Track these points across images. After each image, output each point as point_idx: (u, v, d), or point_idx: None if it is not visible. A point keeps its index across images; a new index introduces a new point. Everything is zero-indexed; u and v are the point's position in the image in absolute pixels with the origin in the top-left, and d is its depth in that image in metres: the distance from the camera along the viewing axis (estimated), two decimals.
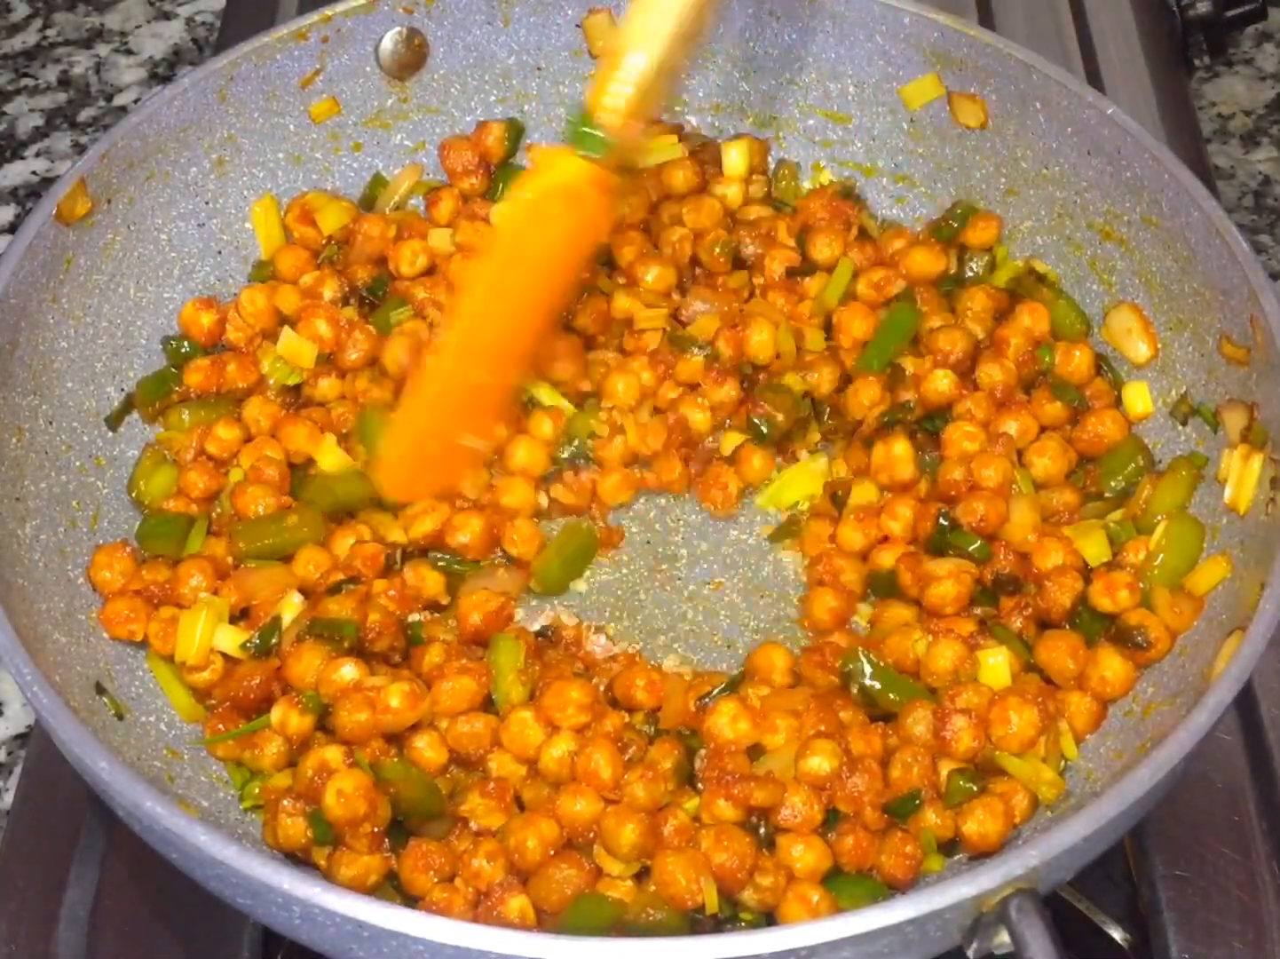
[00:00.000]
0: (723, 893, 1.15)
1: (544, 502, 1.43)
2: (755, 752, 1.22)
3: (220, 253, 1.53)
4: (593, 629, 1.35)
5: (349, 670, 1.23)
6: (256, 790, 1.24)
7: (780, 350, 1.47)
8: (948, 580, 1.30)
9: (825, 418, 1.46)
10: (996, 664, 1.26)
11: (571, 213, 1.24)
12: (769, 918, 1.17)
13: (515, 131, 1.61)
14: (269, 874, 0.98)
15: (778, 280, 1.52)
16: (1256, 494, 1.26)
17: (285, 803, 1.17)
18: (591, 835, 1.17)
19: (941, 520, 1.34)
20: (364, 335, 1.46)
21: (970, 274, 1.53)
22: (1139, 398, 1.42)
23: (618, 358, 1.50)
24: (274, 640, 1.28)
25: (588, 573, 1.41)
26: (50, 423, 1.35)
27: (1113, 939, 1.29)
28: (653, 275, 1.51)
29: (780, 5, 1.58)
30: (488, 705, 1.26)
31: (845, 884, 1.17)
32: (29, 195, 2.08)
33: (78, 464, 1.37)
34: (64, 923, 1.29)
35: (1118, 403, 1.44)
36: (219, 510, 1.40)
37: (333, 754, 1.18)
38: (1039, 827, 1.20)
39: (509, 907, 1.14)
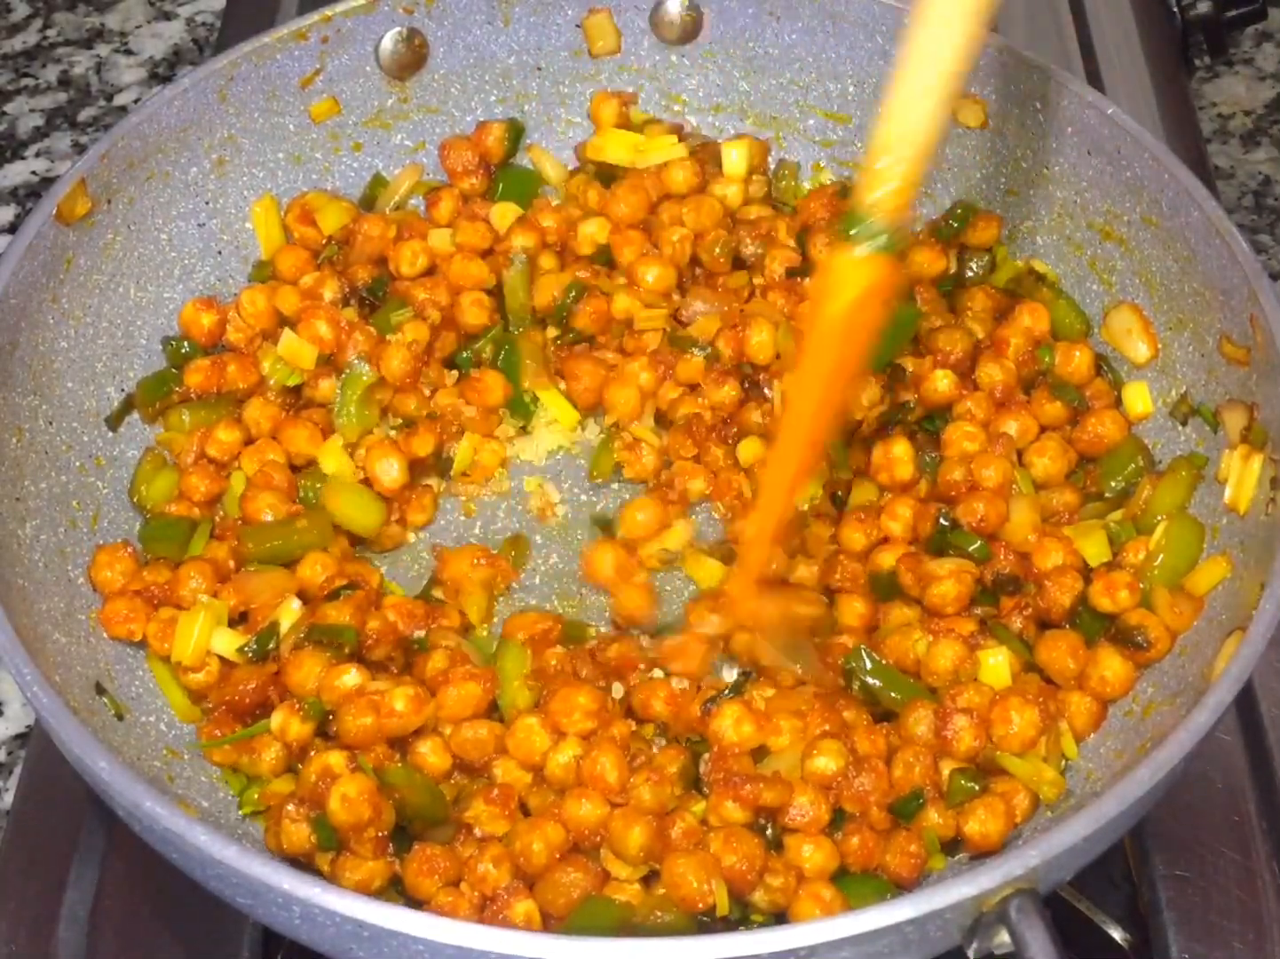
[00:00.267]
0: (733, 894, 1.15)
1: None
2: (759, 754, 1.22)
3: (220, 253, 1.53)
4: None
5: (351, 677, 1.23)
6: (256, 796, 1.23)
7: (780, 350, 1.47)
8: (948, 580, 1.30)
9: None
10: (997, 664, 1.26)
11: (871, 310, 1.24)
12: (779, 919, 1.17)
13: (515, 131, 1.61)
14: (269, 874, 0.98)
15: (778, 280, 1.52)
16: (1256, 494, 1.26)
17: (290, 808, 1.17)
18: (598, 839, 1.17)
19: (941, 520, 1.34)
20: (364, 336, 1.46)
21: (970, 274, 1.53)
22: (1139, 398, 1.42)
23: (618, 358, 1.50)
24: (271, 645, 1.28)
25: None
26: (50, 423, 1.35)
27: (1113, 939, 1.29)
28: (653, 275, 1.51)
29: (780, 5, 1.58)
30: (491, 712, 1.26)
31: (853, 883, 1.18)
32: (29, 195, 2.08)
33: (78, 464, 1.37)
34: (64, 923, 1.29)
35: (1118, 403, 1.44)
36: (221, 514, 1.39)
37: (336, 759, 1.18)
38: (1039, 827, 1.20)
39: (515, 911, 1.14)
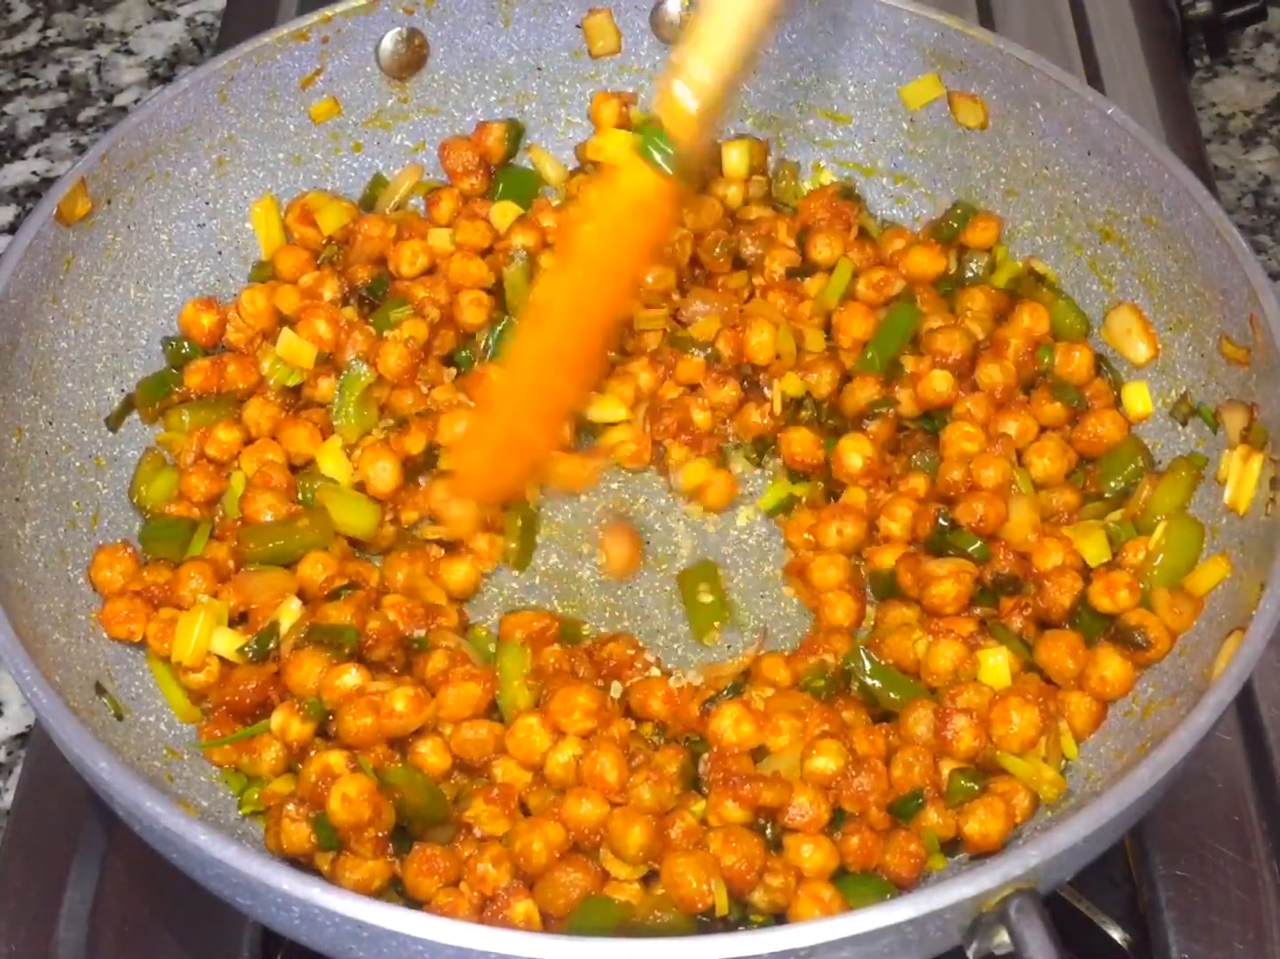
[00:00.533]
0: (732, 894, 1.14)
1: None
2: (759, 754, 1.22)
3: (220, 253, 1.53)
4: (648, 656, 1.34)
5: (351, 677, 1.23)
6: (256, 796, 1.23)
7: (780, 351, 1.47)
8: (948, 580, 1.30)
9: (825, 418, 1.46)
10: (996, 664, 1.26)
11: (642, 223, 1.27)
12: (779, 919, 1.17)
13: (515, 131, 1.61)
14: (269, 874, 0.98)
15: (778, 280, 1.52)
16: (1256, 494, 1.26)
17: (290, 808, 1.17)
18: (598, 839, 1.17)
19: (941, 521, 1.34)
20: (364, 336, 1.46)
21: (970, 274, 1.53)
22: (1139, 398, 1.42)
23: (618, 358, 1.50)
24: (271, 645, 1.28)
25: (588, 573, 1.41)
26: (50, 423, 1.35)
27: (1113, 939, 1.29)
28: (653, 275, 1.51)
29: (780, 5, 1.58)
30: (491, 712, 1.26)
31: (853, 883, 1.18)
32: (29, 195, 2.08)
33: (78, 464, 1.37)
34: (64, 923, 1.29)
35: (1117, 403, 1.44)
36: (221, 514, 1.39)
37: (336, 759, 1.18)
38: (1039, 827, 1.20)
39: (515, 911, 1.14)
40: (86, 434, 1.39)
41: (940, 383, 1.42)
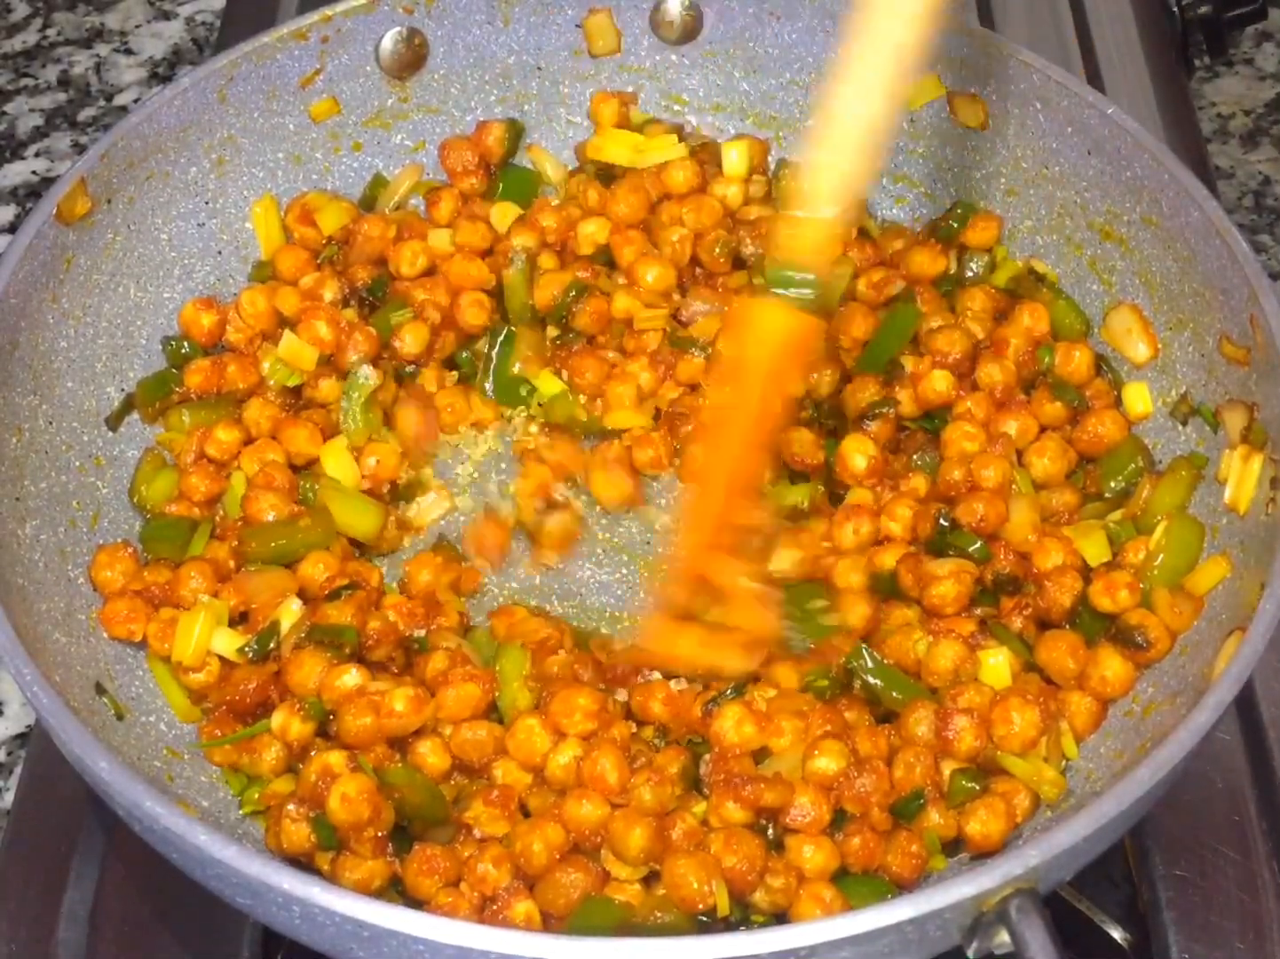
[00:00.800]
0: (734, 895, 1.14)
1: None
2: (760, 755, 1.22)
3: (220, 253, 1.53)
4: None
5: (352, 677, 1.23)
6: (256, 796, 1.23)
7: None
8: (948, 580, 1.30)
9: (825, 418, 1.46)
10: (997, 664, 1.26)
11: (793, 359, 1.25)
12: (779, 920, 1.16)
13: (515, 131, 1.61)
14: (269, 874, 0.98)
15: None
16: (1256, 494, 1.26)
17: (290, 808, 1.17)
18: (598, 840, 1.17)
19: (941, 521, 1.34)
20: (364, 337, 1.46)
21: (970, 274, 1.53)
22: (1139, 398, 1.42)
23: (618, 358, 1.50)
24: (271, 645, 1.28)
25: (589, 574, 1.41)
26: (50, 423, 1.35)
27: (1113, 939, 1.29)
28: (653, 275, 1.51)
29: (780, 5, 1.58)
30: (491, 713, 1.26)
31: (854, 884, 1.17)
32: (29, 195, 2.08)
33: (78, 464, 1.37)
34: (64, 923, 1.29)
35: (1118, 403, 1.44)
36: (222, 514, 1.39)
37: (336, 759, 1.18)
38: (1039, 826, 1.20)
39: (515, 911, 1.14)
40: (86, 434, 1.39)
41: (940, 383, 1.42)
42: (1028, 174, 1.51)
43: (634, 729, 1.26)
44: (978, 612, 1.33)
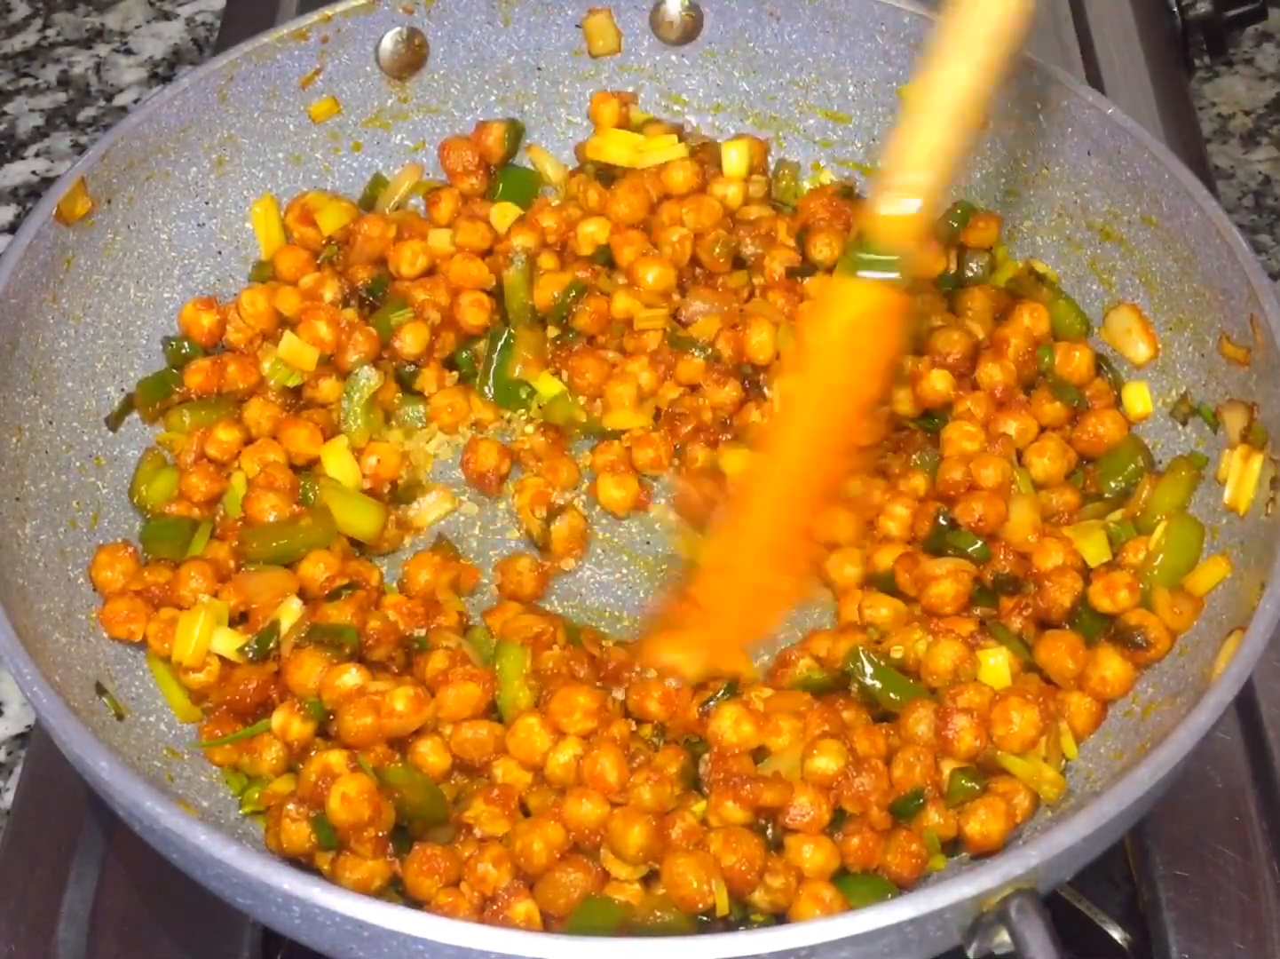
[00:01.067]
0: (733, 895, 1.14)
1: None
2: (759, 754, 1.22)
3: (220, 253, 1.53)
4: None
5: (352, 677, 1.23)
6: (256, 796, 1.23)
7: (780, 350, 1.47)
8: (946, 580, 1.30)
9: None
10: (996, 664, 1.26)
11: (878, 341, 1.23)
12: (779, 919, 1.16)
13: (515, 131, 1.61)
14: (269, 874, 0.98)
15: (778, 280, 1.52)
16: (1256, 494, 1.26)
17: (290, 808, 1.17)
18: (598, 839, 1.17)
19: (940, 520, 1.34)
20: (364, 337, 1.46)
21: (970, 274, 1.53)
22: (1139, 398, 1.42)
23: (618, 358, 1.50)
24: (271, 645, 1.28)
25: (589, 574, 1.41)
26: (50, 423, 1.35)
27: (1113, 939, 1.29)
28: (653, 275, 1.51)
29: (780, 5, 1.58)
30: (491, 712, 1.26)
31: (853, 884, 1.17)
32: (29, 195, 2.08)
33: (78, 464, 1.37)
34: (64, 923, 1.29)
35: (1117, 403, 1.44)
36: (222, 514, 1.39)
37: (336, 758, 1.18)
38: (1039, 826, 1.20)
39: (515, 911, 1.14)
40: (86, 434, 1.39)
41: (940, 382, 1.42)
42: (1028, 174, 1.51)
43: (633, 728, 1.26)
44: (977, 611, 1.33)
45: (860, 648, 1.27)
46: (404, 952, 0.97)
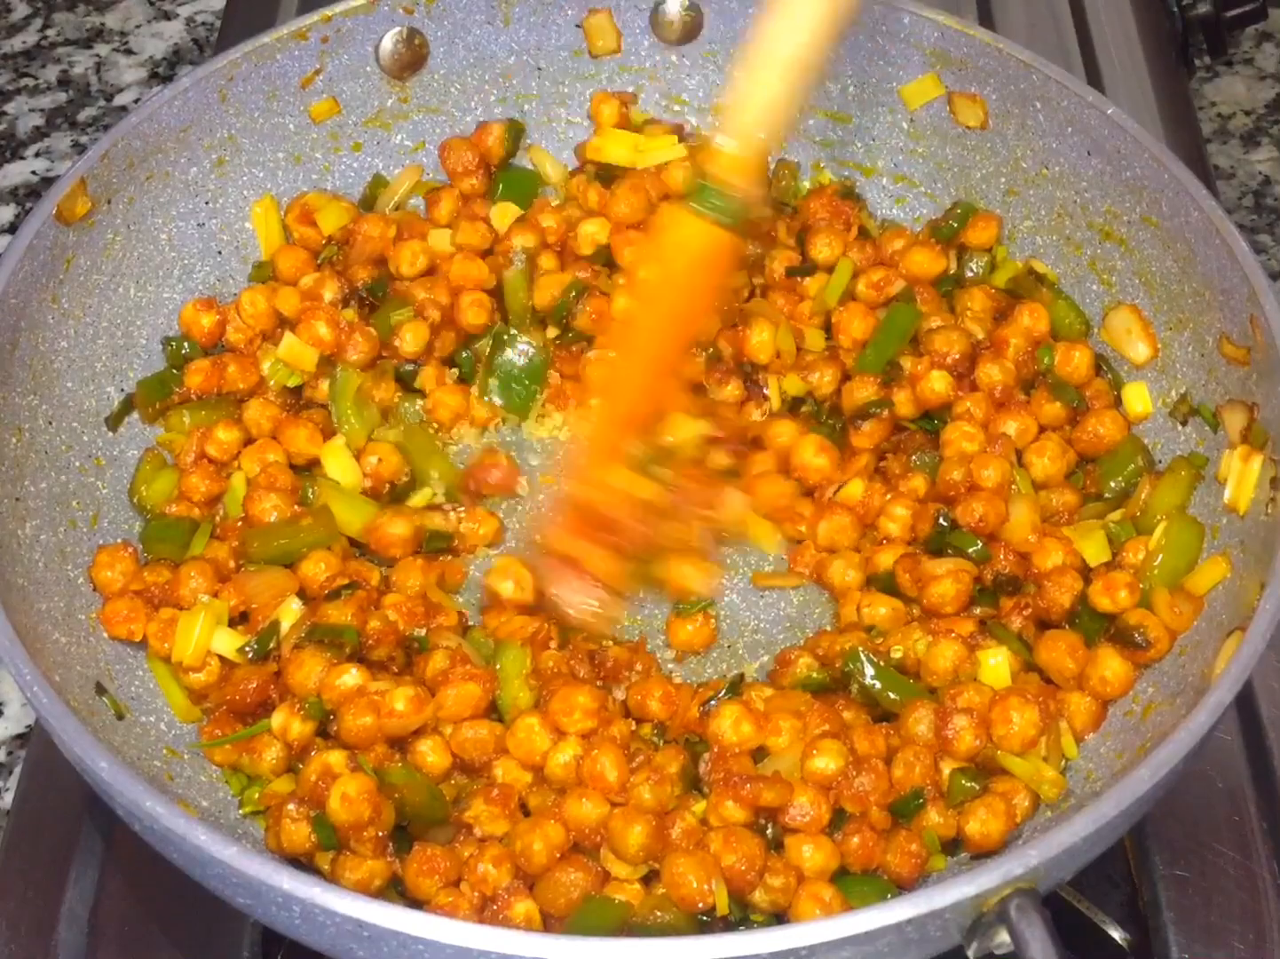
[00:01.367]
0: (733, 894, 1.14)
1: None
2: (759, 754, 1.22)
3: (220, 253, 1.53)
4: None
5: (352, 677, 1.23)
6: (256, 796, 1.23)
7: (780, 350, 1.47)
8: (946, 579, 1.30)
9: (825, 418, 1.46)
10: (996, 664, 1.26)
11: (705, 275, 1.30)
12: (779, 919, 1.16)
13: (515, 131, 1.61)
14: (269, 874, 0.98)
15: (778, 280, 1.52)
16: (1256, 494, 1.26)
17: (290, 807, 1.17)
18: (598, 839, 1.17)
19: (941, 521, 1.34)
20: (364, 337, 1.46)
21: (970, 274, 1.53)
22: (1139, 398, 1.42)
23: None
24: (271, 645, 1.28)
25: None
26: (50, 423, 1.35)
27: (1113, 939, 1.29)
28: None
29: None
30: (491, 712, 1.26)
31: (853, 883, 1.17)
32: (29, 195, 2.08)
33: (78, 464, 1.37)
34: (64, 923, 1.29)
35: (1117, 403, 1.44)
36: (222, 514, 1.39)
37: (336, 758, 1.18)
38: (1039, 826, 1.20)
39: (515, 911, 1.14)
40: (86, 434, 1.39)
41: (939, 383, 1.42)
42: (1028, 174, 1.51)
43: (633, 727, 1.26)
44: (977, 611, 1.33)
45: (860, 648, 1.27)
46: (404, 952, 0.97)
